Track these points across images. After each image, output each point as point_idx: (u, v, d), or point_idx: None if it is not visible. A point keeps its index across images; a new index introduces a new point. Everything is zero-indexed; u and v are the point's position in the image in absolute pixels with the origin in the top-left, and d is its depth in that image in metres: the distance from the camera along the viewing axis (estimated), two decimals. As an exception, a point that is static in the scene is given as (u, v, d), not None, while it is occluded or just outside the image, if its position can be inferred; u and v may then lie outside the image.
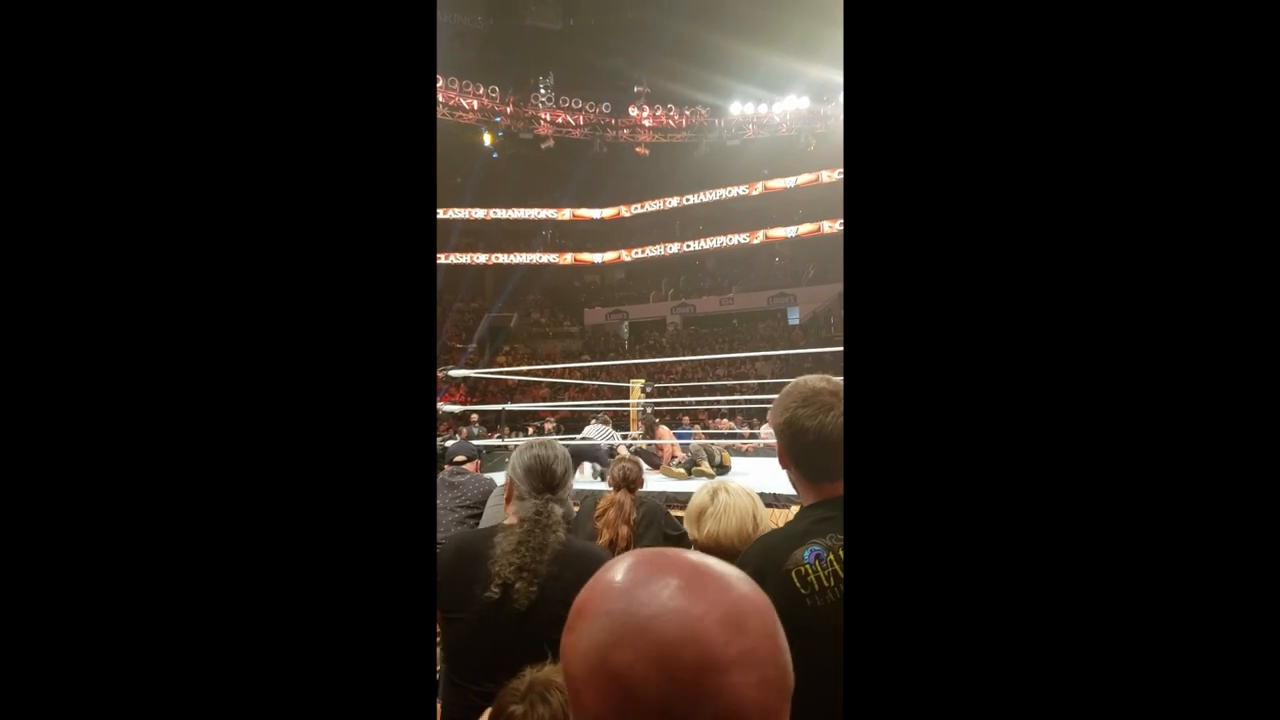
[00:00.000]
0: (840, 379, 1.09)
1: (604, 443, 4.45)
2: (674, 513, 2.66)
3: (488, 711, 0.96)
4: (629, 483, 2.36)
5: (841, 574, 1.00)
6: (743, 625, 0.43)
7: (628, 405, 7.81)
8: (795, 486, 1.16)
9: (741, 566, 1.11)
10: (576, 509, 2.73)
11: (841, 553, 1.01)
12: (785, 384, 1.18)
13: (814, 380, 1.12)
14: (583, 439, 4.59)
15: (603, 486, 2.64)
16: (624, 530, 2.24)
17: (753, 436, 8.45)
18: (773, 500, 2.81)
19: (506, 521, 1.48)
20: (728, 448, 5.11)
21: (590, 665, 0.44)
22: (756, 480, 3.43)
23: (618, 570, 0.47)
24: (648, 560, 0.47)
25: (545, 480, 1.48)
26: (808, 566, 1.01)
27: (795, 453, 1.11)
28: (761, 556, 1.06)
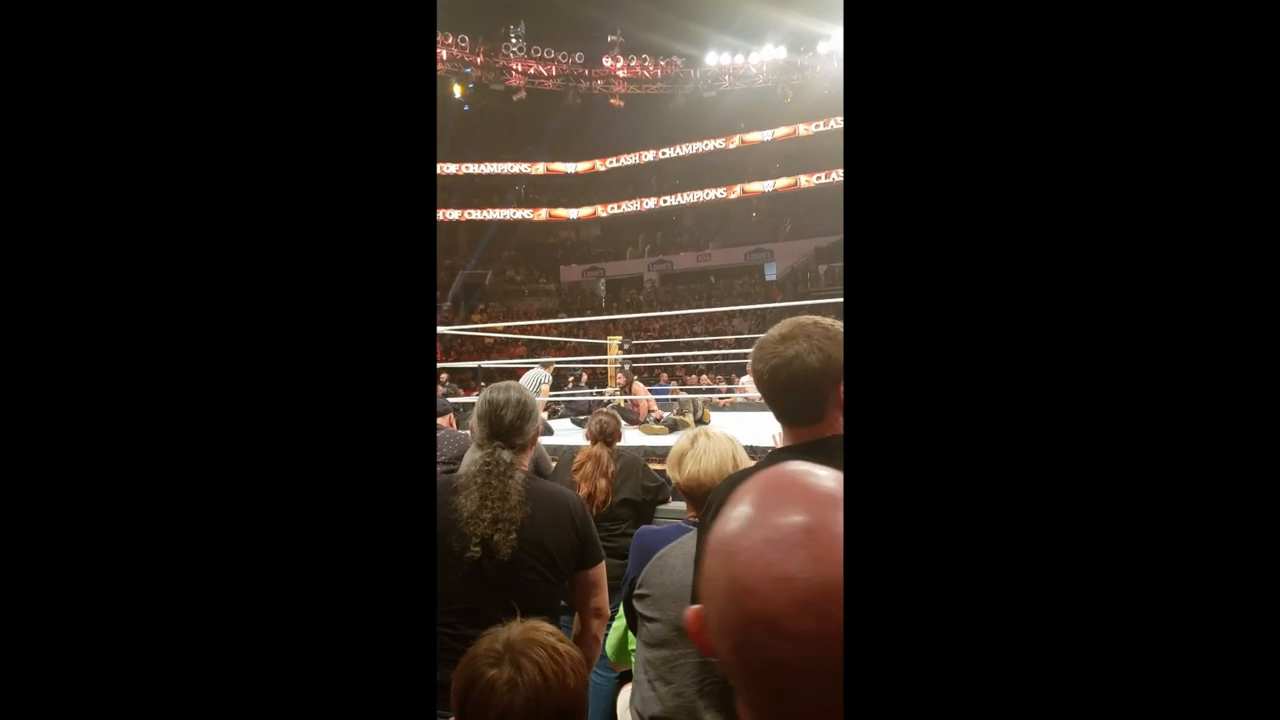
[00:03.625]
0: (812, 320, 1.09)
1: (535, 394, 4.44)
2: (653, 466, 2.66)
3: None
4: (606, 436, 2.35)
5: None
6: (821, 611, 0.40)
7: (605, 361, 7.79)
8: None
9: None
10: (555, 464, 2.72)
11: None
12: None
13: (787, 324, 1.11)
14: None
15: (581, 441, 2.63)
16: (601, 483, 2.24)
17: (730, 392, 8.50)
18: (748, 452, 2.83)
19: (459, 473, 1.46)
20: (704, 403, 5.13)
21: (707, 563, 0.46)
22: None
23: (753, 490, 0.46)
24: (783, 488, 0.46)
25: (493, 426, 1.46)
26: None
27: (768, 395, 1.10)
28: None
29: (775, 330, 1.10)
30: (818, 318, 1.11)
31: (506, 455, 1.43)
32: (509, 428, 1.46)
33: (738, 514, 0.45)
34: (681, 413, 4.10)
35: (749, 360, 1.13)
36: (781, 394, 1.08)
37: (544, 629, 0.94)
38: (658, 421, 4.23)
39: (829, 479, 0.46)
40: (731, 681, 0.46)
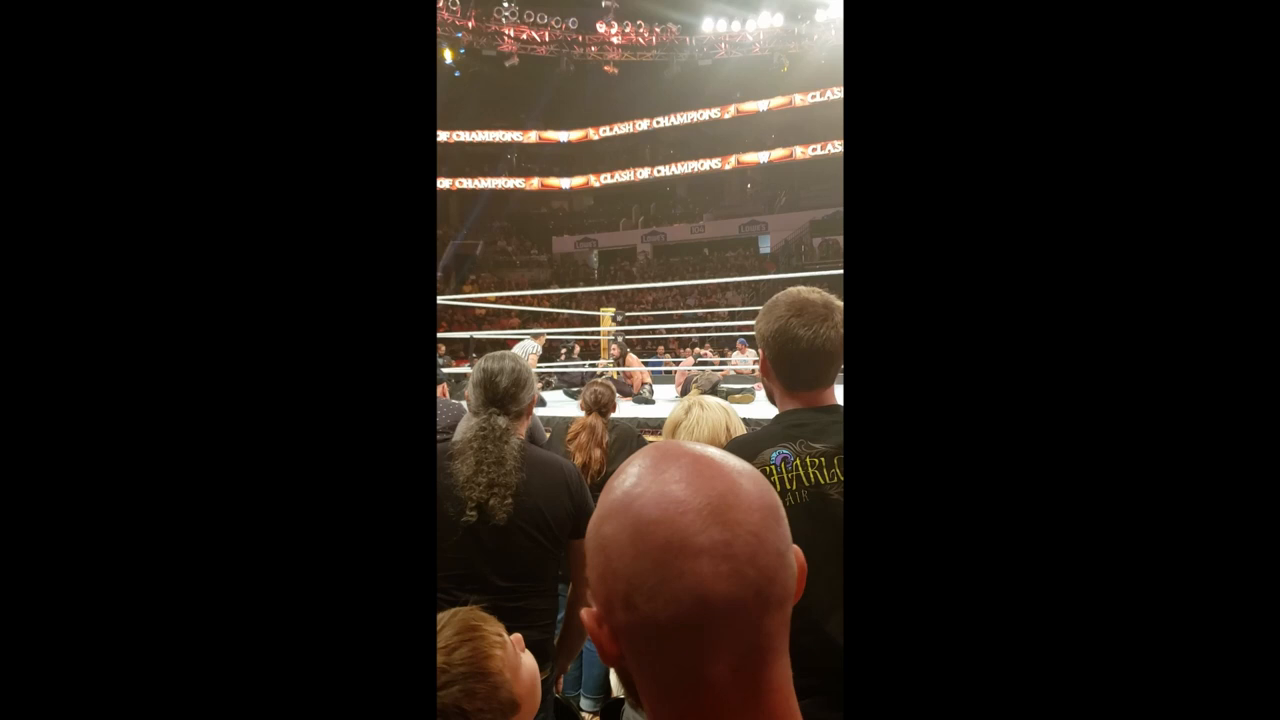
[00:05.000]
0: (828, 294, 1.10)
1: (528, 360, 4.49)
2: (647, 438, 2.66)
3: None
4: (601, 407, 2.34)
5: (806, 480, 1.03)
6: (724, 517, 0.43)
7: (598, 333, 7.77)
8: (771, 396, 1.16)
9: None
10: (549, 434, 2.71)
11: (809, 459, 1.04)
12: (758, 310, 1.17)
13: (804, 291, 1.12)
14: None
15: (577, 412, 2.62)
16: (596, 453, 2.23)
17: (723, 364, 8.50)
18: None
19: (454, 439, 1.47)
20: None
21: (590, 536, 0.47)
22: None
23: (635, 460, 0.49)
24: (660, 451, 0.48)
25: (489, 393, 1.46)
26: (773, 468, 1.03)
27: (782, 362, 1.10)
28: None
29: (781, 303, 1.11)
30: (817, 289, 1.12)
31: (502, 421, 1.43)
32: (504, 395, 1.46)
33: (620, 484, 0.47)
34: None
35: (760, 330, 1.13)
36: (791, 364, 1.09)
37: (478, 664, 0.81)
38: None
39: (695, 446, 0.49)
40: (644, 658, 0.44)
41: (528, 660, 0.87)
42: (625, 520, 0.44)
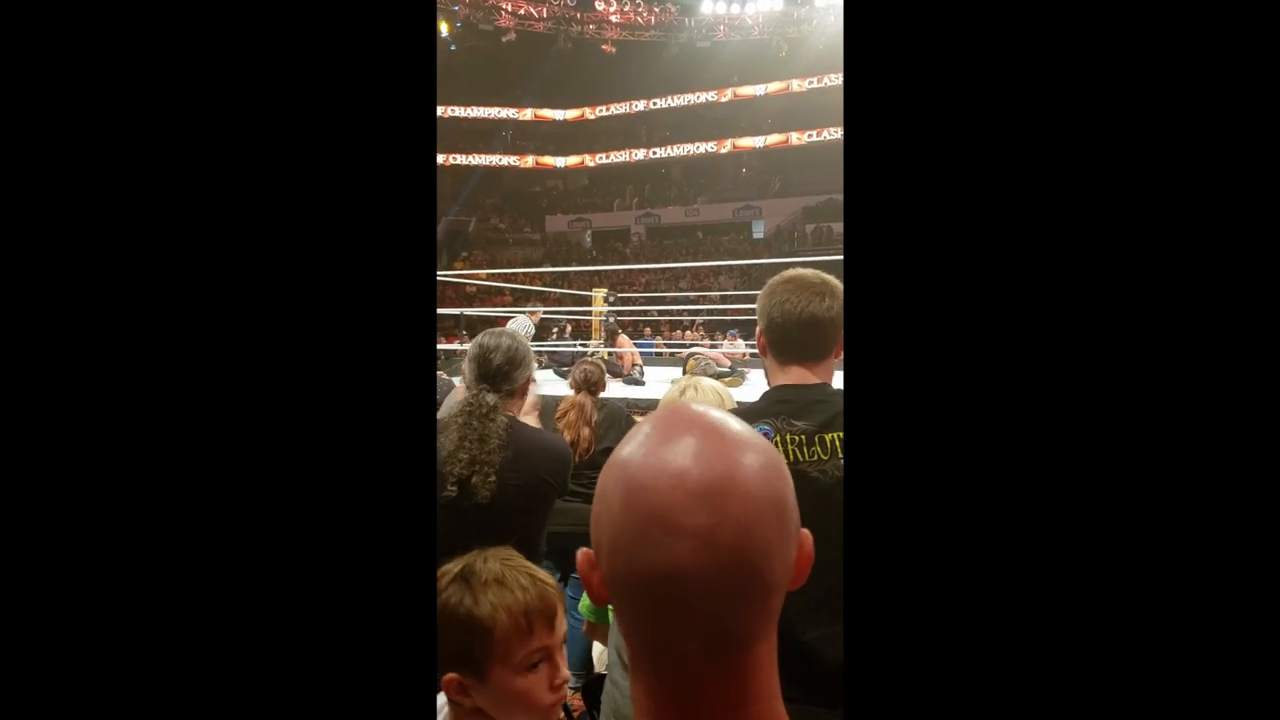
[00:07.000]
0: (830, 277, 1.12)
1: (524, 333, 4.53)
2: (636, 418, 2.67)
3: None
4: (590, 385, 2.35)
5: (788, 457, 1.04)
6: (714, 502, 0.41)
7: (589, 313, 7.75)
8: (767, 371, 1.18)
9: None
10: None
11: (789, 436, 1.05)
12: (749, 294, 1.20)
13: (805, 271, 1.14)
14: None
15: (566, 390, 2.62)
16: (585, 432, 2.24)
17: (714, 348, 8.52)
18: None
19: (440, 414, 1.48)
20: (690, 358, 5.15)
21: (599, 479, 0.47)
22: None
23: (652, 417, 0.49)
24: (676, 414, 0.47)
25: (482, 369, 1.47)
26: None
27: (770, 333, 1.13)
28: None
29: (781, 278, 1.13)
30: (821, 273, 1.13)
31: (490, 399, 1.43)
32: (496, 372, 1.46)
33: (633, 438, 0.47)
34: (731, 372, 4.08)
35: (758, 304, 1.15)
36: (776, 335, 1.12)
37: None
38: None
39: (720, 412, 0.48)
40: (623, 617, 0.46)
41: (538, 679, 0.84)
42: (622, 478, 0.44)
